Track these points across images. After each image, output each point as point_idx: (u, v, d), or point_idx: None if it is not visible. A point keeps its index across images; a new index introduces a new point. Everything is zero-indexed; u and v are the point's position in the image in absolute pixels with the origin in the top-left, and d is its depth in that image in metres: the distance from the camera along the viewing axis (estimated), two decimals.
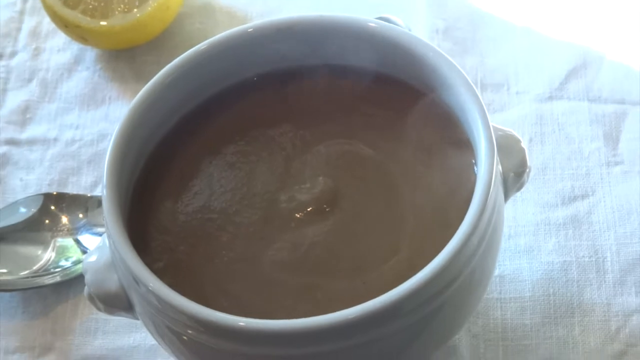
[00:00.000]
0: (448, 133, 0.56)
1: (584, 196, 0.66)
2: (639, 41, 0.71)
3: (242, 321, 0.49)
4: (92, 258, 0.55)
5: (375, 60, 0.59)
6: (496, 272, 0.63)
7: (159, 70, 0.58)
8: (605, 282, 0.63)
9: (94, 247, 0.56)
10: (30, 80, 0.74)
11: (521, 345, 0.61)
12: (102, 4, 0.71)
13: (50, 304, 0.65)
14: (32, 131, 0.72)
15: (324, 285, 0.53)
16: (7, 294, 0.65)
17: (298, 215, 0.55)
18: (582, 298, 0.62)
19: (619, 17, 0.73)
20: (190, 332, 0.51)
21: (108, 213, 0.53)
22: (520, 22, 0.73)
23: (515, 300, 0.63)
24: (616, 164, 0.67)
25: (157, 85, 0.58)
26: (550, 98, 0.70)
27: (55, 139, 0.71)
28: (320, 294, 0.53)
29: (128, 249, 0.52)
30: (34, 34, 0.76)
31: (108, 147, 0.56)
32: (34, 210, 0.66)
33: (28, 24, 0.76)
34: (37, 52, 0.75)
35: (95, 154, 0.70)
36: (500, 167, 0.55)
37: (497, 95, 0.70)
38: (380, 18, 0.60)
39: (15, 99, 0.73)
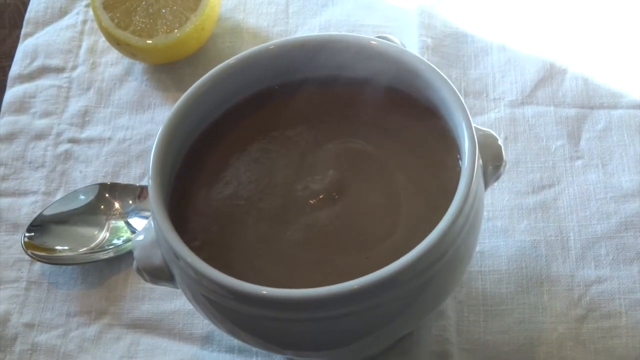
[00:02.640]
0: (437, 133, 0.56)
1: (550, 185, 0.65)
2: (595, 56, 0.71)
3: (264, 290, 0.49)
4: (140, 237, 0.55)
5: (376, 72, 0.58)
6: (477, 248, 0.63)
7: (196, 81, 0.58)
8: (569, 257, 0.62)
9: (141, 228, 0.56)
10: (88, 89, 0.73)
11: (498, 310, 0.61)
12: (149, 26, 0.71)
13: (105, 276, 0.65)
14: (90, 131, 0.71)
15: (333, 260, 0.53)
16: (69, 267, 0.65)
17: (311, 202, 0.55)
18: (549, 271, 0.62)
19: (579, 36, 0.72)
20: (221, 299, 0.51)
21: (153, 200, 0.53)
22: (497, 41, 0.73)
23: (493, 273, 0.62)
24: (577, 158, 0.66)
25: (193, 94, 0.57)
26: (522, 103, 0.69)
27: (109, 138, 0.71)
28: (330, 268, 0.52)
29: (170, 229, 0.52)
30: (92, 50, 0.75)
31: (153, 144, 0.55)
32: (91, 197, 0.66)
33: (87, 42, 0.76)
34: (94, 66, 0.75)
35: (143, 150, 0.70)
36: (481, 161, 0.54)
37: (478, 101, 0.70)
38: (380, 37, 0.59)
39: (76, 104, 0.73)
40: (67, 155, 0.70)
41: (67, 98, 0.73)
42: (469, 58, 0.72)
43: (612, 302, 0.60)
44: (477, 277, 0.62)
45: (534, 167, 0.66)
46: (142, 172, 0.69)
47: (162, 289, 0.62)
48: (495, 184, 0.62)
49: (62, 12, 0.77)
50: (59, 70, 0.74)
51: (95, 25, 0.73)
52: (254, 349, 0.60)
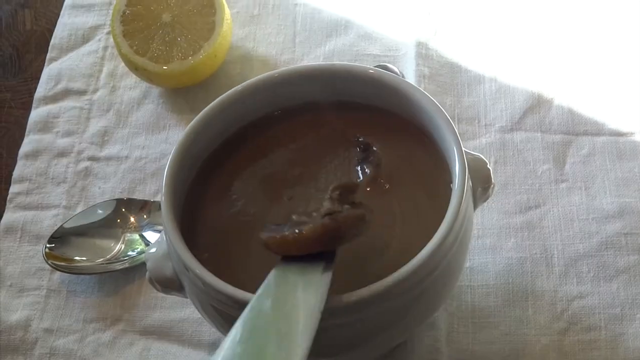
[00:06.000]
0: (430, 156, 0.56)
1: (536, 206, 0.65)
2: (580, 87, 0.71)
3: None
4: (153, 250, 0.55)
5: (374, 99, 0.58)
6: (467, 264, 0.63)
7: (208, 105, 0.58)
8: (552, 273, 0.62)
9: (154, 242, 0.56)
10: (108, 110, 0.74)
11: (486, 322, 0.61)
12: (165, 53, 0.71)
13: (120, 285, 0.65)
14: (109, 150, 0.71)
15: None
16: (87, 276, 0.65)
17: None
18: (534, 286, 0.62)
19: (565, 68, 0.72)
20: (227, 308, 0.51)
21: (165, 215, 0.53)
22: (488, 71, 0.73)
23: (482, 287, 0.62)
24: (562, 181, 0.66)
25: (204, 117, 0.57)
26: (512, 129, 0.69)
27: (127, 157, 0.71)
28: None
29: (180, 243, 0.52)
30: (112, 75, 0.76)
31: (167, 163, 0.55)
32: (109, 211, 0.66)
33: (107, 67, 0.76)
34: (113, 89, 0.75)
35: (158, 168, 0.70)
36: (470, 183, 0.54)
37: (470, 127, 0.70)
38: (380, 66, 0.59)
39: (96, 125, 0.73)
40: (87, 172, 0.70)
41: (88, 119, 0.73)
42: (463, 86, 0.72)
43: (593, 316, 0.60)
44: (467, 291, 0.62)
45: (521, 189, 0.66)
46: (157, 189, 0.69)
47: (172, 299, 0.62)
48: (485, 204, 0.62)
49: (85, 39, 0.78)
50: (81, 92, 0.75)
51: (115, 52, 0.74)
52: None
